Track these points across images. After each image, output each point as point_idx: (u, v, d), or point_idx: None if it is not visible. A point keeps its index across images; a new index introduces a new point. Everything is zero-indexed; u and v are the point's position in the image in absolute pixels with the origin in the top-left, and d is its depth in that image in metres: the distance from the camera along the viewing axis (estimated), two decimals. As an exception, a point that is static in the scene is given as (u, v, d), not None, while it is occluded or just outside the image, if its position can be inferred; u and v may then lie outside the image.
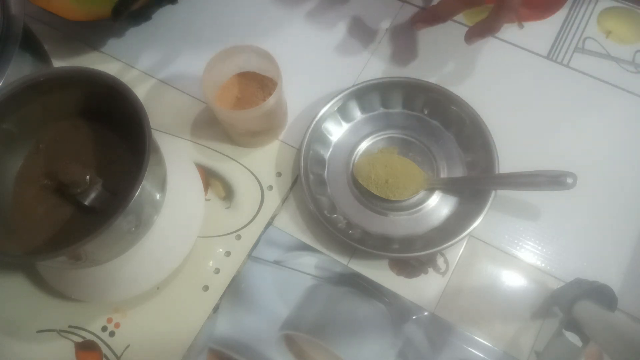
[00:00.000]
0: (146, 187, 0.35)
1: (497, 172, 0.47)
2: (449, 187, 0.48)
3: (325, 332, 0.45)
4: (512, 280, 0.46)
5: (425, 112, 0.51)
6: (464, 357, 0.44)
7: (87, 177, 0.37)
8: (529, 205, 0.48)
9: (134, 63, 0.56)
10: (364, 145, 0.50)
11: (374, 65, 0.54)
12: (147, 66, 0.56)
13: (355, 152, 0.50)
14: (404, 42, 0.55)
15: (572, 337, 0.42)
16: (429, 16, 0.50)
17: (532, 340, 0.44)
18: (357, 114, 0.52)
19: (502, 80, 0.53)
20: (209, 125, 0.52)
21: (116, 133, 0.40)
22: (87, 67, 0.37)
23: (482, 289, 0.46)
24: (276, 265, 0.47)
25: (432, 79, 0.50)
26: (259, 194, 0.49)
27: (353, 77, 0.54)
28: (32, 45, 0.47)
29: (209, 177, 0.50)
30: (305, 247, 0.47)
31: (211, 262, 0.47)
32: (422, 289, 0.46)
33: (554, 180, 0.43)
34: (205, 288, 0.46)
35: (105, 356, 0.44)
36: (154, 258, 0.42)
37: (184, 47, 0.56)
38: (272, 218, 0.49)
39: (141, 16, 0.54)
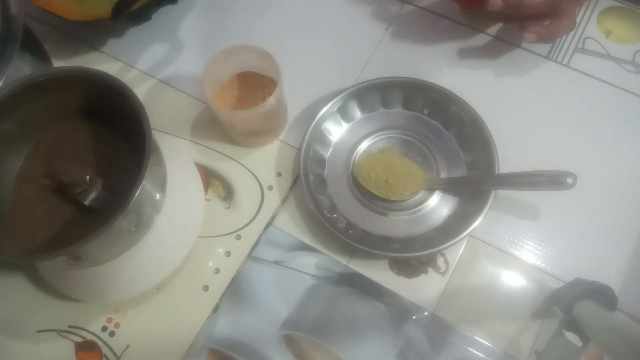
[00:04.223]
0: (146, 187, 0.35)
1: (497, 172, 0.47)
2: (449, 187, 0.48)
3: (325, 332, 0.45)
4: (512, 280, 0.46)
5: (425, 112, 0.51)
6: (464, 357, 0.44)
7: (87, 177, 0.37)
8: (529, 205, 0.48)
9: (134, 63, 0.56)
10: (364, 145, 0.50)
11: (374, 65, 0.54)
12: (147, 66, 0.56)
13: (355, 152, 0.50)
14: (404, 42, 0.55)
15: (572, 337, 0.42)
16: None
17: (532, 340, 0.44)
18: (357, 114, 0.52)
19: (502, 80, 0.53)
20: (209, 125, 0.52)
21: (116, 133, 0.40)
22: (87, 67, 0.37)
23: (482, 289, 0.46)
24: (276, 265, 0.47)
25: (432, 79, 0.50)
26: (259, 194, 0.49)
27: (353, 77, 0.54)
28: (32, 45, 0.47)
29: (209, 177, 0.50)
30: (305, 247, 0.47)
31: (211, 262, 0.47)
32: (422, 289, 0.46)
33: (554, 180, 0.43)
34: (205, 288, 0.46)
35: (105, 356, 0.44)
36: (154, 258, 0.42)
37: (184, 47, 0.56)
38: (272, 218, 0.49)
39: (141, 16, 0.54)
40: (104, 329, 0.45)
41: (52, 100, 0.39)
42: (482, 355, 0.44)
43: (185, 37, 0.57)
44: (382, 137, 0.51)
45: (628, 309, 0.44)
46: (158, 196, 0.39)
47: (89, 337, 0.45)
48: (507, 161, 0.47)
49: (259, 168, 0.50)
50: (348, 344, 0.44)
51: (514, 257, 0.47)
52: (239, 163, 0.51)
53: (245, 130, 0.48)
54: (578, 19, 0.55)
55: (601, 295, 0.42)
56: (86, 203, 0.37)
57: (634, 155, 0.50)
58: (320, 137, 0.50)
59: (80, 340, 0.45)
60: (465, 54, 0.54)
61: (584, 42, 0.54)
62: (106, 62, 0.56)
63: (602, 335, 0.38)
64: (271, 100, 0.44)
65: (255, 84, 0.50)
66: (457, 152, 0.50)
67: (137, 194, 0.33)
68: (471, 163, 0.49)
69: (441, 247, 0.44)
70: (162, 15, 0.57)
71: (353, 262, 0.47)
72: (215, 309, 0.46)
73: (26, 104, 0.38)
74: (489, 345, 0.44)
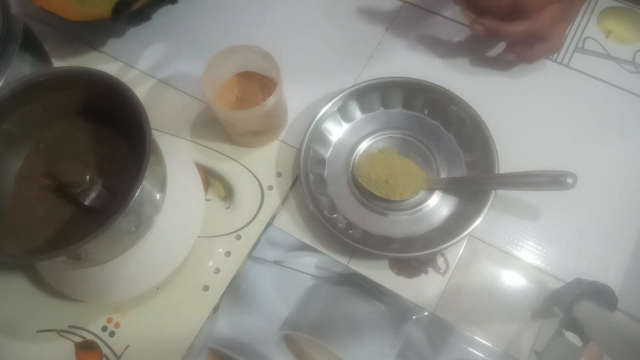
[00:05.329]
0: (146, 187, 0.35)
1: (497, 172, 0.47)
2: (449, 187, 0.48)
3: (325, 332, 0.45)
4: (512, 280, 0.46)
5: (425, 112, 0.51)
6: (464, 357, 0.44)
7: (87, 177, 0.37)
8: (529, 205, 0.48)
9: (134, 63, 0.56)
10: (364, 145, 0.50)
11: (374, 65, 0.54)
12: (147, 66, 0.56)
13: (355, 152, 0.50)
14: (403, 42, 0.55)
15: (572, 337, 0.42)
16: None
17: (532, 340, 0.44)
18: (357, 114, 0.52)
19: (502, 80, 0.53)
20: (209, 125, 0.52)
21: (116, 133, 0.40)
22: (87, 67, 0.37)
23: (482, 289, 0.46)
24: (276, 265, 0.47)
25: (432, 79, 0.50)
26: (259, 194, 0.49)
27: (353, 77, 0.54)
28: (32, 45, 0.47)
29: (209, 177, 0.50)
30: (305, 247, 0.47)
31: (211, 262, 0.47)
32: (422, 289, 0.46)
33: (554, 180, 0.43)
34: (205, 288, 0.46)
35: (105, 356, 0.44)
36: (154, 258, 0.42)
37: (184, 47, 0.56)
38: (272, 218, 0.49)
39: (141, 16, 0.54)
40: (104, 329, 0.45)
41: (52, 100, 0.39)
42: (482, 355, 0.44)
43: (185, 37, 0.57)
44: (382, 137, 0.51)
45: (628, 309, 0.44)
46: (158, 196, 0.39)
47: (89, 337, 0.45)
48: (507, 161, 0.47)
49: (259, 168, 0.50)
50: (348, 344, 0.44)
51: (514, 257, 0.47)
52: (239, 163, 0.51)
53: (245, 130, 0.48)
54: (578, 19, 0.55)
55: (601, 295, 0.42)
56: (86, 203, 0.37)
57: (634, 155, 0.50)
58: (320, 137, 0.50)
59: (80, 340, 0.45)
60: (466, 54, 0.54)
61: (584, 42, 0.54)
62: (106, 62, 0.56)
63: (602, 335, 0.38)
64: (271, 100, 0.44)
65: (255, 84, 0.50)
66: (457, 152, 0.50)
67: (137, 194, 0.33)
68: (471, 163, 0.49)
69: (441, 247, 0.44)
70: (162, 15, 0.57)
71: (353, 262, 0.47)
72: (215, 309, 0.46)
73: (26, 104, 0.38)
74: (489, 345, 0.44)
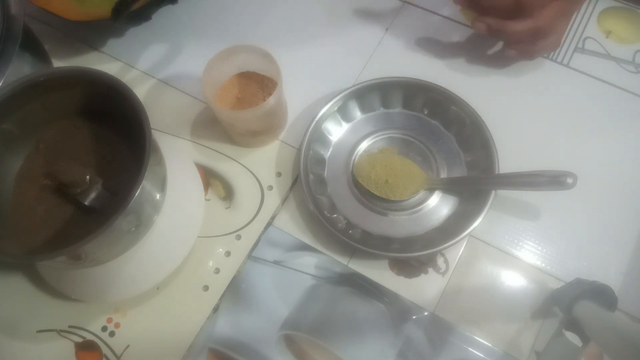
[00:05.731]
0: (146, 187, 0.35)
1: (497, 172, 0.47)
2: (449, 187, 0.48)
3: (325, 332, 0.45)
4: (512, 280, 0.46)
5: (425, 112, 0.51)
6: (464, 357, 0.44)
7: (87, 177, 0.37)
8: (529, 205, 0.48)
9: (134, 63, 0.56)
10: (364, 145, 0.50)
11: (374, 65, 0.54)
12: (147, 66, 0.56)
13: (355, 152, 0.50)
14: (404, 42, 0.55)
15: (572, 337, 0.42)
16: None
17: (532, 340, 0.44)
18: (357, 114, 0.52)
19: (502, 80, 0.53)
20: (209, 125, 0.52)
21: (116, 133, 0.40)
22: (87, 67, 0.37)
23: (482, 289, 0.46)
24: (276, 265, 0.47)
25: (432, 79, 0.50)
26: (259, 194, 0.49)
27: (353, 77, 0.54)
28: (32, 45, 0.47)
29: (209, 177, 0.50)
30: (305, 247, 0.47)
31: (211, 262, 0.47)
32: (422, 289, 0.46)
33: (554, 180, 0.43)
34: (205, 288, 0.46)
35: (105, 356, 0.44)
36: (154, 258, 0.42)
37: (184, 48, 0.56)
38: (272, 218, 0.49)
39: (141, 16, 0.54)
40: (104, 329, 0.45)
41: (52, 100, 0.39)
42: (482, 355, 0.44)
43: (185, 37, 0.57)
44: (382, 137, 0.51)
45: (628, 309, 0.44)
46: (158, 196, 0.39)
47: (89, 337, 0.45)
48: (507, 161, 0.47)
49: (259, 168, 0.50)
50: (348, 344, 0.44)
51: (514, 257, 0.47)
52: (239, 163, 0.51)
53: (245, 130, 0.48)
54: (578, 19, 0.55)
55: (601, 295, 0.42)
56: (86, 203, 0.37)
57: (634, 155, 0.50)
58: (320, 137, 0.50)
59: (80, 340, 0.45)
60: (466, 54, 0.54)
61: (584, 42, 0.54)
62: (106, 62, 0.56)
63: (602, 335, 0.38)
64: (271, 100, 0.44)
65: (255, 84, 0.50)
66: (457, 152, 0.50)
67: (137, 194, 0.33)
68: (471, 163, 0.49)
69: (441, 247, 0.44)
70: (162, 15, 0.57)
71: (353, 262, 0.47)
72: (215, 309, 0.46)
73: (26, 104, 0.38)
74: (489, 345, 0.44)
